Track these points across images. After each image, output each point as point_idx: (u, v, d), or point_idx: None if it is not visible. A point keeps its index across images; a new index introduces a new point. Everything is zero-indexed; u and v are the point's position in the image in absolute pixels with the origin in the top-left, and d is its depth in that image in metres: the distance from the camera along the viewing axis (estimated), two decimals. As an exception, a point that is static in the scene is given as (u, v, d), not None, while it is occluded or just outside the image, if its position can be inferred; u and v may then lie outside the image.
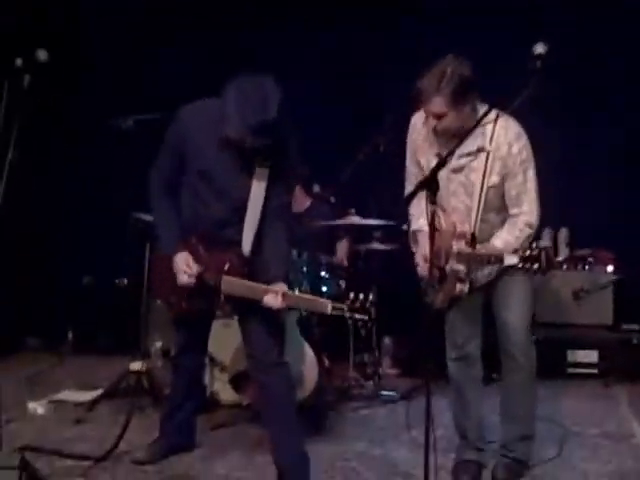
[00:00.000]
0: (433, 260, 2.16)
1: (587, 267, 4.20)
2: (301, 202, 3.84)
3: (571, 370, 4.07)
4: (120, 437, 2.78)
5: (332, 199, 3.78)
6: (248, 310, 2.51)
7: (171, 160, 2.50)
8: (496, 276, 2.48)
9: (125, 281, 4.43)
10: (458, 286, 2.38)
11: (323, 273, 3.59)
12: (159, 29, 4.63)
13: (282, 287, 2.37)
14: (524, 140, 2.38)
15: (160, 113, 2.94)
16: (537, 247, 1.91)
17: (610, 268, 4.24)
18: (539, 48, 2.04)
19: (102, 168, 4.47)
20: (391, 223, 3.56)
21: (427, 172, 2.22)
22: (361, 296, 2.28)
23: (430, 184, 2.01)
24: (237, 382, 3.13)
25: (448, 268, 2.36)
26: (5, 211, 2.37)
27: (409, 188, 2.55)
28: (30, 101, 2.41)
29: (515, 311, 2.51)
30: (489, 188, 2.39)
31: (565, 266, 4.21)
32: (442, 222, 2.39)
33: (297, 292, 2.75)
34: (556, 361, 4.01)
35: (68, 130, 4.72)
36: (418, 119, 2.51)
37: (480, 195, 2.38)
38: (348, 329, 3.78)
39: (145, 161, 2.64)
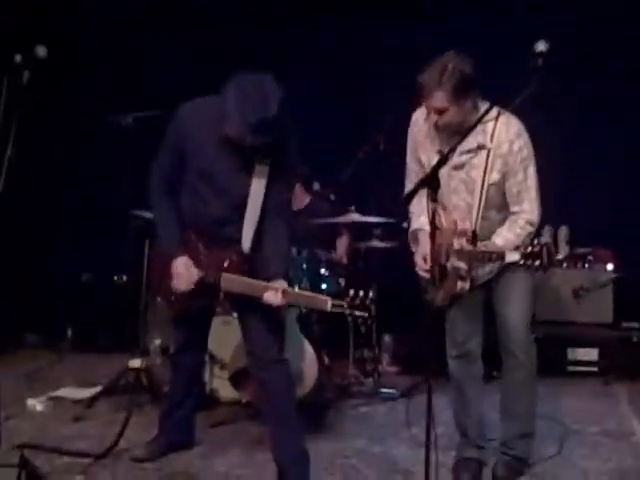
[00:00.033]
0: (434, 258, 2.15)
1: (587, 265, 4.20)
2: (300, 199, 3.83)
3: (571, 368, 4.06)
4: (120, 435, 2.77)
5: (332, 197, 3.78)
6: (248, 307, 2.50)
7: (171, 158, 2.49)
8: (497, 273, 2.48)
9: (124, 278, 4.42)
10: (459, 284, 2.37)
11: (323, 270, 3.59)
12: (159, 29, 4.63)
13: (282, 284, 2.37)
14: (525, 138, 2.38)
15: (160, 110, 2.94)
16: (538, 243, 1.91)
17: (610, 266, 4.24)
18: (540, 46, 2.03)
19: (101, 165, 4.46)
20: (391, 221, 3.56)
21: (428, 169, 2.22)
22: (361, 293, 2.27)
23: (431, 182, 2.00)
24: (237, 379, 3.12)
25: (449, 266, 2.36)
26: (4, 208, 2.36)
27: (409, 186, 2.54)
28: (29, 97, 2.40)
29: (516, 309, 2.51)
30: (490, 186, 2.38)
31: (565, 264, 4.21)
32: (443, 220, 2.38)
33: (297, 289, 2.74)
34: (556, 359, 4.01)
35: (67, 127, 4.71)
36: (419, 115, 2.50)
37: (481, 192, 2.37)
38: (348, 326, 3.78)
39: (144, 158, 2.63)
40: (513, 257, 1.95)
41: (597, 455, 2.84)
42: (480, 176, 2.36)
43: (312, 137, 3.45)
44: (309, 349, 3.11)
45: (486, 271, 2.45)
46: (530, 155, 2.39)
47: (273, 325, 2.53)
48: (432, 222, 2.04)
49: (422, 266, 2.47)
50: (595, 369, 4.03)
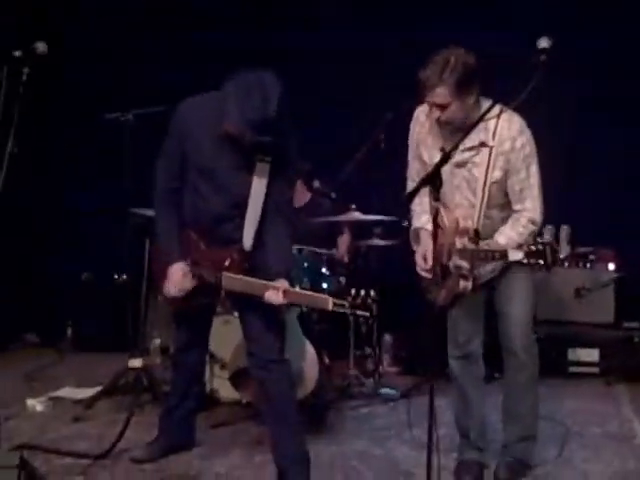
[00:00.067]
0: (436, 257, 2.14)
1: (589, 265, 4.19)
2: (301, 196, 3.82)
3: (572, 369, 4.04)
4: (121, 435, 2.76)
5: (333, 195, 3.77)
6: (249, 306, 2.49)
7: (175, 154, 2.48)
8: (499, 273, 2.46)
9: (124, 277, 4.41)
10: (461, 283, 2.35)
11: (323, 269, 3.58)
12: (159, 29, 4.62)
13: (283, 283, 2.36)
14: (527, 135, 2.37)
15: (160, 107, 2.92)
16: (542, 242, 1.90)
17: (611, 266, 4.23)
18: (543, 42, 2.02)
19: (101, 163, 4.45)
20: (392, 219, 3.55)
21: (430, 167, 2.20)
22: (362, 292, 2.26)
23: (433, 180, 1.98)
24: (237, 379, 3.11)
25: (451, 265, 2.35)
26: (3, 207, 2.35)
27: (411, 184, 2.53)
28: (29, 94, 2.39)
29: (518, 308, 2.50)
30: (492, 183, 2.37)
31: (567, 264, 4.19)
32: (445, 219, 2.37)
33: (298, 288, 2.73)
34: (557, 359, 3.99)
35: (67, 125, 4.70)
36: (421, 112, 2.49)
37: (483, 191, 2.36)
38: (348, 326, 3.76)
39: (144, 156, 2.62)
40: (516, 256, 1.94)
41: (599, 458, 2.82)
42: (482, 174, 2.35)
43: (312, 137, 3.45)
44: (310, 349, 3.09)
45: (488, 270, 2.44)
46: (532, 152, 2.38)
47: (274, 325, 2.52)
48: (434, 221, 2.02)
49: (422, 265, 2.46)
50: (596, 370, 4.01)
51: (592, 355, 4.03)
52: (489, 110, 2.22)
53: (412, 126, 2.54)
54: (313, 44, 4.46)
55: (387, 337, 4.24)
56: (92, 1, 4.70)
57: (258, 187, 2.41)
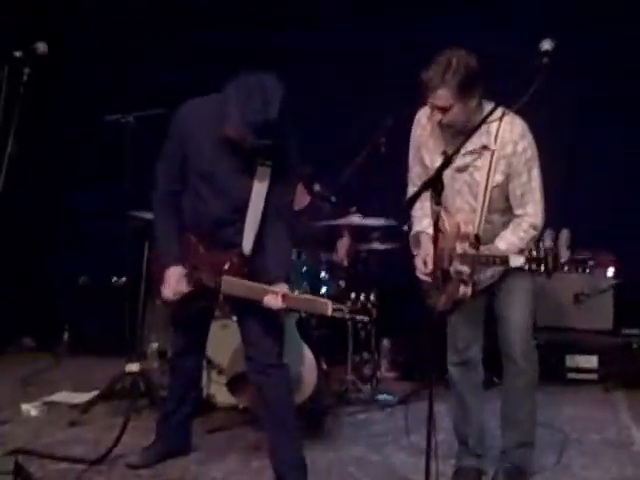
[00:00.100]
0: (436, 262, 2.12)
1: (587, 270, 4.17)
2: (301, 200, 3.81)
3: (571, 375, 4.03)
4: (117, 441, 2.73)
5: (333, 198, 3.76)
6: (247, 311, 2.48)
7: (175, 157, 2.46)
8: (499, 278, 2.45)
9: (123, 279, 4.39)
10: (461, 288, 2.34)
11: (323, 274, 3.57)
12: (159, 29, 4.61)
13: (283, 288, 2.34)
14: (529, 138, 2.35)
15: (160, 109, 2.91)
16: (543, 248, 1.88)
17: (610, 272, 4.22)
18: (546, 44, 2.00)
19: (101, 164, 4.43)
20: (393, 223, 3.54)
21: (431, 171, 2.18)
22: (362, 297, 2.24)
23: (435, 184, 1.97)
24: (234, 385, 3.09)
25: (451, 270, 2.33)
26: (1, 209, 2.33)
27: (412, 189, 2.51)
28: (29, 94, 2.38)
29: (518, 314, 2.48)
30: (493, 188, 2.35)
31: (566, 269, 4.18)
32: (445, 224, 2.35)
33: (297, 293, 2.71)
34: (555, 366, 3.98)
35: (67, 125, 4.69)
36: (423, 115, 2.47)
37: (484, 195, 2.34)
38: (347, 331, 3.74)
39: (145, 158, 2.60)
40: (518, 262, 1.93)
41: (597, 464, 2.81)
42: (484, 178, 2.33)
43: (312, 137, 3.44)
44: (308, 354, 3.08)
45: (488, 275, 2.42)
46: (534, 156, 2.36)
47: (273, 329, 2.50)
48: (435, 225, 2.01)
49: (422, 270, 2.44)
50: (595, 376, 4.00)
51: (591, 362, 4.02)
52: (491, 113, 2.20)
53: (413, 129, 2.52)
54: (313, 44, 4.46)
55: (385, 342, 4.22)
56: (92, 1, 4.70)
57: (259, 191, 2.40)
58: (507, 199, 2.40)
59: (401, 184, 2.62)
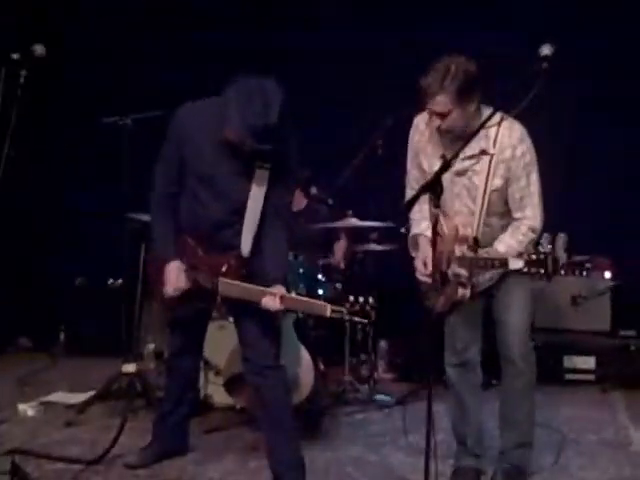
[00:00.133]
0: (435, 264, 2.12)
1: (585, 273, 4.18)
2: (298, 201, 3.81)
3: (568, 376, 4.04)
4: (115, 441, 2.73)
5: (330, 201, 3.76)
6: (245, 312, 2.47)
7: (173, 159, 2.46)
8: (497, 280, 2.45)
9: (120, 281, 4.38)
10: (460, 291, 2.34)
11: (319, 276, 3.56)
12: (159, 29, 4.61)
13: (280, 289, 2.34)
14: (528, 143, 2.36)
15: (158, 111, 2.90)
16: (544, 252, 1.88)
17: (608, 274, 4.24)
18: (545, 49, 2.01)
19: (100, 165, 4.43)
20: (390, 225, 3.54)
21: (430, 175, 2.18)
22: (361, 299, 2.24)
23: (434, 187, 1.97)
24: (231, 385, 3.09)
25: (450, 272, 2.33)
26: (1, 209, 2.33)
27: (410, 193, 2.51)
28: (27, 96, 2.37)
29: (516, 316, 2.49)
30: (492, 191, 2.36)
31: (563, 272, 4.18)
32: (444, 227, 2.35)
33: (294, 294, 2.71)
34: (553, 367, 3.99)
35: (67, 126, 4.68)
36: (421, 120, 2.47)
37: (483, 199, 2.35)
38: (344, 332, 3.74)
39: (143, 160, 2.60)
40: (517, 265, 1.93)
41: (595, 465, 2.82)
42: (483, 182, 2.34)
43: (312, 138, 3.44)
44: (305, 355, 3.07)
45: (486, 278, 2.43)
46: (533, 160, 2.37)
47: (270, 331, 2.50)
48: (434, 228, 2.01)
49: (422, 271, 2.44)
50: (592, 377, 4.01)
51: (588, 363, 4.03)
52: (490, 118, 2.20)
53: (411, 134, 2.52)
54: (313, 44, 4.46)
55: (382, 343, 4.22)
56: (92, 1, 4.69)
57: (257, 193, 2.40)
58: (506, 203, 2.41)
59: (398, 186, 2.61)
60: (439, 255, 2.26)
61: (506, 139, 2.32)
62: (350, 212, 3.71)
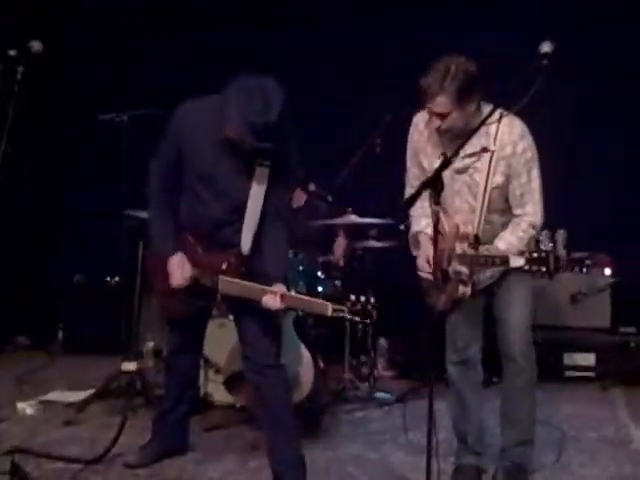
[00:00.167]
0: (436, 262, 2.11)
1: (585, 270, 4.19)
2: (298, 198, 3.81)
3: (568, 373, 4.04)
4: (115, 440, 2.72)
5: (330, 198, 3.75)
6: (245, 311, 2.47)
7: (170, 156, 2.46)
8: (498, 278, 2.45)
9: (117, 279, 4.37)
10: (461, 288, 2.34)
11: (319, 273, 3.56)
12: (159, 29, 4.60)
13: (281, 288, 2.34)
14: (529, 139, 2.35)
15: (155, 109, 2.90)
16: (545, 250, 1.88)
17: (608, 271, 4.24)
18: (545, 47, 2.00)
19: (100, 164, 4.42)
20: (389, 222, 3.53)
21: (430, 172, 2.18)
22: (362, 298, 2.24)
23: (435, 184, 1.96)
24: (231, 384, 3.08)
25: (450, 270, 2.33)
26: (1, 209, 2.32)
27: (409, 190, 2.50)
28: (24, 93, 2.36)
29: (517, 314, 2.48)
30: (493, 189, 2.35)
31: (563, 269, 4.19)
32: (445, 225, 2.35)
33: (293, 292, 2.70)
34: (553, 364, 3.99)
35: (67, 125, 4.67)
36: (420, 119, 2.46)
37: (484, 195, 2.34)
38: (344, 330, 3.74)
39: (139, 157, 2.59)
40: (518, 262, 1.92)
41: (595, 462, 2.81)
42: (483, 179, 2.33)
43: (312, 137, 3.44)
44: (306, 353, 3.07)
45: (487, 276, 2.42)
46: (534, 157, 2.36)
47: (270, 329, 2.50)
48: (435, 226, 2.00)
49: (425, 268, 2.43)
50: (592, 374, 4.01)
51: (588, 360, 4.03)
52: (490, 115, 2.20)
53: (411, 133, 2.51)
54: (313, 44, 4.46)
55: (382, 341, 4.22)
56: (92, 1, 4.68)
57: (257, 192, 2.39)
58: (507, 200, 2.40)
59: (397, 184, 2.61)
60: (440, 253, 2.25)
61: (506, 136, 2.31)
62: (350, 209, 3.71)
